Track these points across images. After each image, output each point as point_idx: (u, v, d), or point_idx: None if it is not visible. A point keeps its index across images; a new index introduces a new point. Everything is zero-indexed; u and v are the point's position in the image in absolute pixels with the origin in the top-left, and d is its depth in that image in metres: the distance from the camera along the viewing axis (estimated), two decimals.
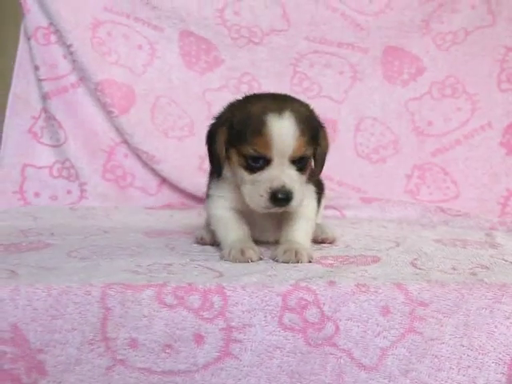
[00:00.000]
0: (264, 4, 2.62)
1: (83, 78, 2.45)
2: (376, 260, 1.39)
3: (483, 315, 1.14)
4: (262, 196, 1.35)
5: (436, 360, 1.13)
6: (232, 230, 1.48)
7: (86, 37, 2.48)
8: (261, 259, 1.40)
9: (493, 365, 1.13)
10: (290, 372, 1.11)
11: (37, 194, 2.44)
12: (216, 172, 1.50)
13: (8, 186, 2.42)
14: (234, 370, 1.10)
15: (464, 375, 1.13)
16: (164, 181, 2.53)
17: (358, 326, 1.13)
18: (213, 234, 1.57)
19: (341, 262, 1.37)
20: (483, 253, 1.54)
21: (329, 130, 1.55)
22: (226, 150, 1.44)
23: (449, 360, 1.13)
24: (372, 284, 1.15)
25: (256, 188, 1.36)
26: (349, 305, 1.13)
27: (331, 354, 1.12)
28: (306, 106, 1.47)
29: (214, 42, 2.61)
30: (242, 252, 1.36)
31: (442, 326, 1.14)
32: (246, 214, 1.52)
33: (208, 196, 1.58)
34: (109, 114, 2.47)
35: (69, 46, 2.42)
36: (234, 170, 1.45)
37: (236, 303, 1.12)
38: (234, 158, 1.41)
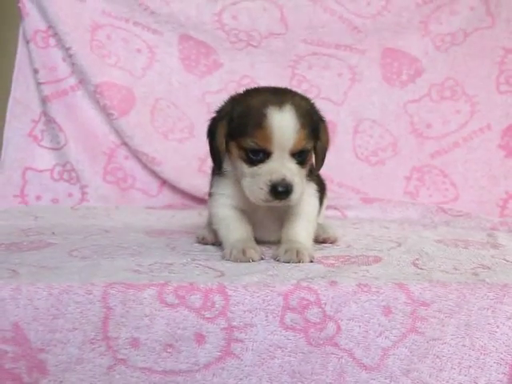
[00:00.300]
0: (262, 7, 2.62)
1: (83, 80, 2.46)
2: (377, 260, 1.39)
3: (485, 315, 1.14)
4: (261, 189, 1.35)
5: (437, 360, 1.13)
6: (234, 230, 1.48)
7: (85, 39, 2.48)
8: (262, 259, 1.40)
9: (494, 365, 1.13)
10: (292, 372, 1.11)
11: (38, 198, 2.44)
12: (216, 166, 1.50)
13: (9, 189, 2.41)
14: (236, 369, 1.10)
15: (465, 375, 1.13)
16: (165, 182, 2.53)
17: (360, 326, 1.13)
18: (214, 233, 1.57)
19: (342, 262, 1.36)
20: (485, 253, 1.54)
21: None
22: (227, 144, 1.44)
23: (450, 360, 1.13)
24: (374, 284, 1.15)
25: (256, 181, 1.36)
26: (350, 305, 1.13)
27: (332, 353, 1.12)
28: (307, 100, 1.47)
29: (212, 46, 2.62)
30: (244, 252, 1.36)
31: (443, 326, 1.14)
32: (247, 213, 1.53)
33: (210, 194, 1.58)
34: (108, 116, 2.47)
35: (68, 49, 2.42)
36: (234, 163, 1.45)
37: (237, 303, 1.11)
38: (234, 151, 1.42)
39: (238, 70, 2.62)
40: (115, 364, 1.08)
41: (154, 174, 2.52)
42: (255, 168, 1.37)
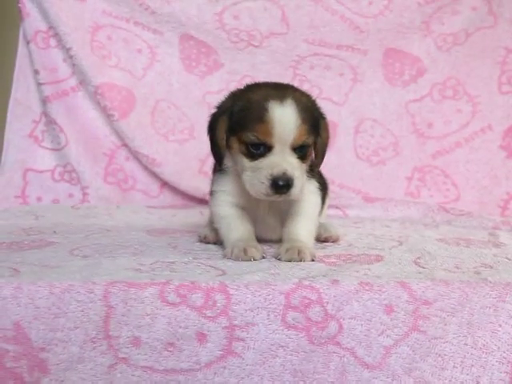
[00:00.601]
0: (263, 7, 2.62)
1: (83, 81, 2.46)
2: (379, 259, 1.39)
3: (487, 314, 1.14)
4: (262, 183, 1.35)
5: (440, 359, 1.12)
6: (235, 229, 1.48)
7: (85, 40, 2.48)
8: (264, 257, 1.40)
9: (496, 364, 1.13)
10: (293, 371, 1.11)
11: (39, 199, 2.44)
12: (217, 162, 1.50)
13: (10, 190, 2.41)
14: (237, 368, 1.10)
15: (468, 374, 1.12)
16: (166, 183, 2.53)
17: (362, 325, 1.12)
18: (216, 232, 1.57)
19: (344, 261, 1.36)
20: (487, 252, 1.54)
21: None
22: (227, 139, 1.44)
23: (452, 359, 1.13)
24: (375, 282, 1.15)
25: (257, 175, 1.36)
26: (352, 303, 1.13)
27: (334, 352, 1.12)
28: (308, 96, 1.47)
29: (213, 46, 2.62)
30: (245, 251, 1.36)
31: (445, 324, 1.13)
32: (249, 211, 1.53)
33: (211, 193, 1.58)
34: (109, 117, 2.47)
35: (68, 50, 2.42)
36: (234, 158, 1.45)
37: (239, 301, 1.11)
38: (235, 145, 1.41)
39: (238, 70, 2.62)
40: (116, 363, 1.08)
41: (155, 176, 2.52)
42: (256, 162, 1.37)
